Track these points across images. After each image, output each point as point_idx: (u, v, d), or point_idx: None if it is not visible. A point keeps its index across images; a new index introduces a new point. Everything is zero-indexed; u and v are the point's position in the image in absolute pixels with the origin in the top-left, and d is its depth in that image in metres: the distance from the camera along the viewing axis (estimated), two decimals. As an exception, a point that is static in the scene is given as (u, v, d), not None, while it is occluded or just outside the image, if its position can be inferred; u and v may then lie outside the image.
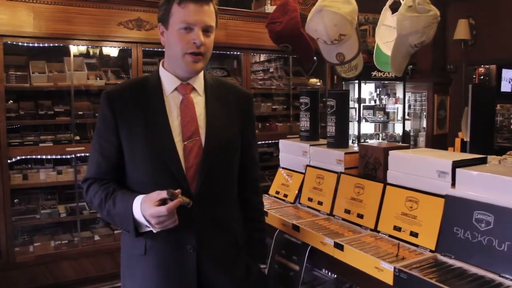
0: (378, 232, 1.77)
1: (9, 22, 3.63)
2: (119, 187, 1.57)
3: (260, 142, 5.19)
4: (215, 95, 1.69)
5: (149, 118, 1.57)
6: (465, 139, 4.36)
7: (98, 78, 4.22)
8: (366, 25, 6.07)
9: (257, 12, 5.00)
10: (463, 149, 4.33)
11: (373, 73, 5.71)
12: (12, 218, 3.82)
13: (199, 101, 1.65)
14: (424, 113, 6.39)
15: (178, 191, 1.42)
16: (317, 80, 5.69)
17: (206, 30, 1.55)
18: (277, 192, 2.43)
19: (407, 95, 6.26)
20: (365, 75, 5.70)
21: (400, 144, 1.91)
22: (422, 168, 1.70)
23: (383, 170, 1.89)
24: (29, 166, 4.01)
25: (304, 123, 2.41)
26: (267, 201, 2.37)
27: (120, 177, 1.60)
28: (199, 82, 1.67)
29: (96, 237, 4.17)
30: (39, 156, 4.00)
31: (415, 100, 6.36)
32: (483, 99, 4.42)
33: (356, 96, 5.98)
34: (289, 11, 2.00)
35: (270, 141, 5.37)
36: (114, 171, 1.59)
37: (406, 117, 6.20)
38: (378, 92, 6.41)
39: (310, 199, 2.20)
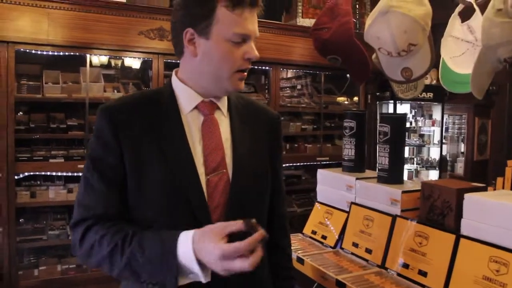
0: (451, 299, 1.38)
1: (22, 29, 3.37)
2: (139, 228, 1.18)
3: (287, 164, 4.82)
4: (240, 116, 1.36)
5: (164, 143, 1.22)
6: (517, 169, 3.94)
7: (115, 91, 3.93)
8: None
9: (288, 24, 4.67)
10: (515, 180, 3.89)
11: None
12: (17, 238, 3.52)
13: (223, 123, 1.32)
14: (462, 137, 5.93)
15: (254, 220, 1.05)
16: (352, 99, 5.31)
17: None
18: (314, 232, 2.05)
19: (444, 117, 5.82)
20: (401, 95, 5.30)
21: (476, 184, 1.52)
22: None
23: (455, 217, 1.50)
24: (38, 183, 3.72)
25: (348, 151, 2.04)
26: (301, 243, 1.99)
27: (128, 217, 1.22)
28: (223, 100, 1.34)
29: (107, 263, 3.82)
30: (48, 173, 3.70)
31: (453, 123, 5.90)
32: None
33: (391, 117, 5.56)
34: (340, 15, 1.63)
35: (298, 164, 4.99)
36: (123, 207, 1.21)
37: (443, 141, 5.75)
38: (413, 113, 5.98)
39: (355, 245, 1.81)
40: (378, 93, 5.44)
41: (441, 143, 5.64)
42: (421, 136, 5.95)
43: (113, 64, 4.21)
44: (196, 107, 1.28)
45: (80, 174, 3.76)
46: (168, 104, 1.27)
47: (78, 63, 3.83)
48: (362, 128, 2.01)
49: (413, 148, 5.96)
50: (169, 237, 1.11)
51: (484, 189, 1.55)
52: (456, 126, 5.89)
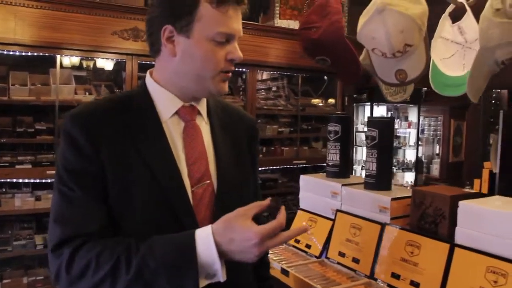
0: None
1: (-13, 27, 3.18)
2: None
3: (263, 168, 4.75)
4: (220, 121, 1.28)
5: (148, 154, 1.11)
6: (494, 171, 3.97)
7: (87, 93, 3.76)
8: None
9: (265, 25, 4.58)
10: (491, 181, 3.92)
11: (387, 95, 5.28)
12: (-21, 250, 3.33)
13: (204, 130, 1.23)
14: (437, 139, 5.97)
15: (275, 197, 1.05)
16: (326, 101, 5.26)
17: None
18: (297, 241, 1.96)
19: (420, 119, 5.85)
20: (378, 97, 5.29)
21: (468, 190, 1.46)
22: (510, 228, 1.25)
23: (448, 226, 1.44)
24: (3, 190, 3.50)
25: (333, 155, 1.96)
26: (284, 253, 1.90)
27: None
28: (203, 103, 1.25)
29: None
30: (15, 180, 3.50)
31: (429, 125, 5.95)
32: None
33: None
34: (330, 14, 1.55)
35: (274, 167, 4.91)
36: (111, 222, 1.08)
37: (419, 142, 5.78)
38: (390, 116, 5.99)
39: (342, 254, 1.74)
40: (355, 95, 5.42)
41: (417, 145, 5.67)
42: (397, 138, 5.98)
43: (84, 65, 4.04)
44: (176, 113, 1.18)
45: (50, 180, 3.55)
46: (145, 110, 1.16)
47: (47, 64, 3.64)
48: (347, 132, 1.94)
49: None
50: (183, 235, 1.01)
51: (477, 195, 1.50)
52: (432, 128, 5.94)
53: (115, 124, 1.12)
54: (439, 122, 5.73)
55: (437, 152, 5.99)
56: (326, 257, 1.80)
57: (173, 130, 1.17)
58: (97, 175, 1.07)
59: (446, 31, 1.66)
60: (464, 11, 1.51)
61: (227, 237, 0.98)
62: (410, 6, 1.32)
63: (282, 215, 1.02)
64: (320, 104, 5.18)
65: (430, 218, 1.48)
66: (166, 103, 1.18)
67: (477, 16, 1.64)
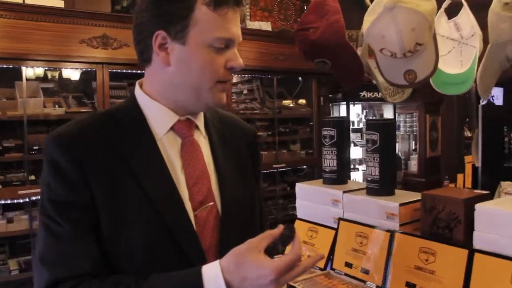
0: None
1: None
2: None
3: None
4: (219, 135, 1.17)
5: (143, 177, 0.98)
6: (476, 165, 3.98)
7: (56, 106, 3.57)
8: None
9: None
10: (474, 175, 3.93)
11: (362, 94, 5.28)
12: None
13: (202, 145, 1.11)
14: (414, 135, 6.01)
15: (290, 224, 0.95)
16: (297, 102, 5.20)
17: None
18: (298, 252, 1.87)
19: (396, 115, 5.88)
20: (353, 96, 5.28)
21: (479, 191, 1.40)
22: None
23: (464, 230, 1.37)
24: (-29, 213, 3.30)
25: (329, 161, 1.87)
26: (287, 266, 1.80)
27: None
28: (200, 117, 1.13)
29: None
30: (-17, 202, 3.29)
31: (405, 121, 5.98)
32: (493, 119, 4.05)
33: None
34: (329, 13, 1.46)
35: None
36: (104, 258, 0.96)
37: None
38: (365, 114, 6.00)
39: (349, 265, 1.65)
40: (330, 95, 5.39)
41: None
42: (374, 136, 5.98)
43: (49, 76, 3.84)
44: (171, 128, 1.06)
45: (22, 201, 3.31)
46: (136, 127, 1.04)
47: (12, 76, 3.45)
48: (343, 136, 1.86)
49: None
50: (187, 275, 0.89)
51: (489, 196, 1.44)
52: (408, 124, 5.97)
53: (104, 145, 0.99)
54: (414, 118, 5.77)
55: (414, 148, 6.03)
56: (332, 269, 1.72)
57: (170, 148, 1.05)
58: (86, 206, 0.95)
59: (442, 28, 1.60)
60: (459, 7, 1.45)
61: (239, 276, 0.87)
62: (421, 3, 1.25)
63: (297, 244, 0.92)
64: (291, 105, 5.12)
65: (443, 223, 1.41)
66: (160, 118, 1.06)
67: (473, 10, 1.60)
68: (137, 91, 1.09)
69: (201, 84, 1.02)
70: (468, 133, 6.28)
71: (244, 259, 0.88)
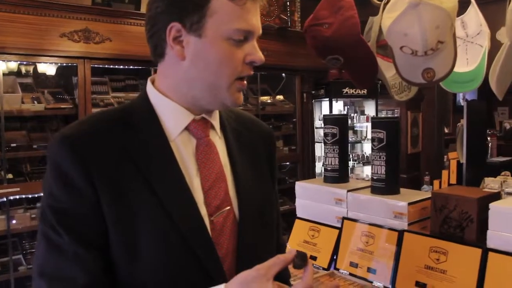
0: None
1: None
2: None
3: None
4: (235, 135, 1.09)
5: (154, 181, 0.91)
6: (461, 161, 4.03)
7: (35, 102, 3.43)
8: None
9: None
10: (459, 171, 3.98)
11: (345, 90, 5.28)
12: None
13: (218, 146, 1.04)
14: (393, 131, 6.06)
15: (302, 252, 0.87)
16: (274, 98, 5.17)
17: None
18: (300, 253, 1.83)
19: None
20: (336, 92, 5.28)
21: (488, 190, 1.39)
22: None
23: (477, 230, 1.35)
24: None
25: (331, 159, 1.84)
26: (289, 268, 1.76)
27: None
28: (215, 115, 1.06)
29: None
30: (-41, 203, 3.13)
31: (386, 118, 6.00)
32: (477, 116, 4.11)
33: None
34: (343, 8, 1.40)
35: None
36: (109, 273, 0.88)
37: (376, 136, 5.84)
38: (346, 110, 6.00)
39: (354, 265, 1.62)
40: (313, 92, 5.38)
41: (375, 138, 5.72)
42: (355, 132, 6.00)
43: (23, 70, 3.67)
44: (186, 128, 0.99)
45: (3, 200, 3.17)
46: (148, 127, 0.96)
47: (-13, 71, 3.29)
48: (344, 134, 1.83)
49: (349, 144, 5.99)
50: None
51: (498, 196, 1.43)
52: (389, 120, 6.00)
53: (113, 147, 0.91)
54: (396, 115, 5.80)
55: (394, 144, 6.08)
56: (335, 268, 1.69)
57: (184, 150, 0.98)
58: (91, 215, 0.87)
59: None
60: (467, 4, 1.42)
61: None
62: (444, 0, 1.21)
63: (309, 274, 0.85)
64: (269, 101, 5.06)
65: (455, 222, 1.39)
66: (173, 118, 0.98)
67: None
68: (149, 88, 1.01)
69: (218, 81, 0.95)
70: (446, 130, 6.37)
71: (250, 286, 0.81)
